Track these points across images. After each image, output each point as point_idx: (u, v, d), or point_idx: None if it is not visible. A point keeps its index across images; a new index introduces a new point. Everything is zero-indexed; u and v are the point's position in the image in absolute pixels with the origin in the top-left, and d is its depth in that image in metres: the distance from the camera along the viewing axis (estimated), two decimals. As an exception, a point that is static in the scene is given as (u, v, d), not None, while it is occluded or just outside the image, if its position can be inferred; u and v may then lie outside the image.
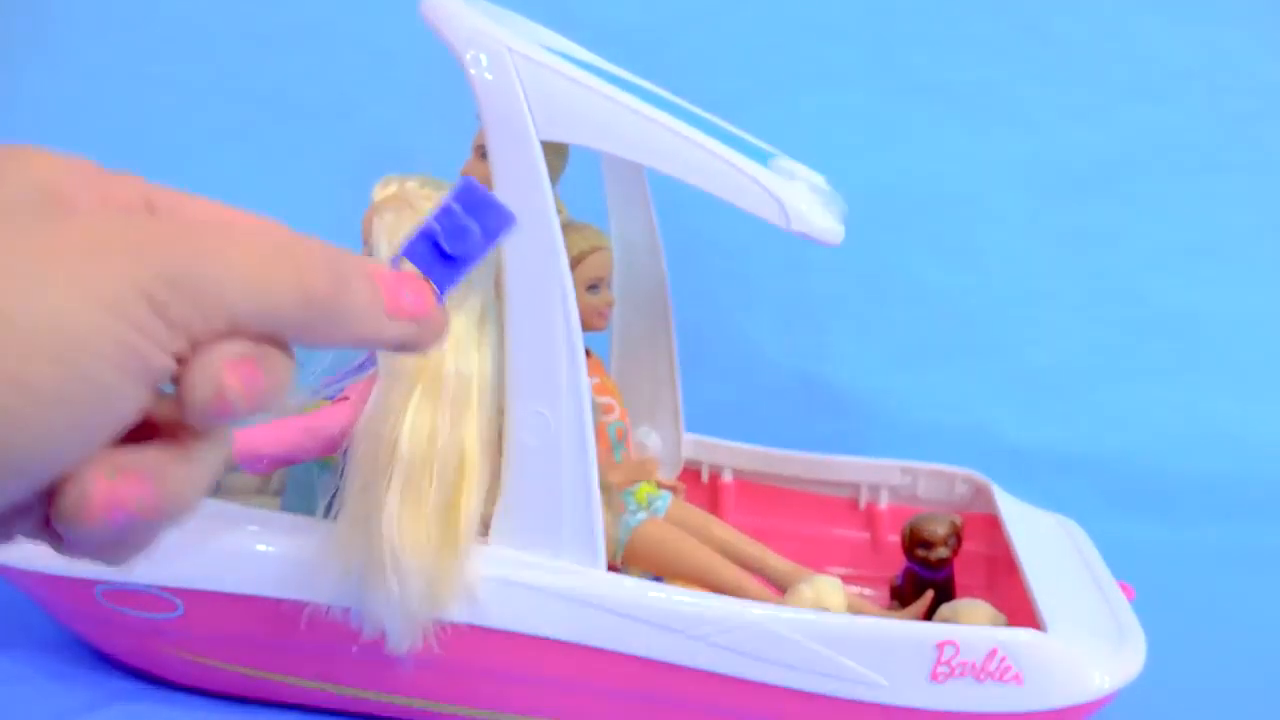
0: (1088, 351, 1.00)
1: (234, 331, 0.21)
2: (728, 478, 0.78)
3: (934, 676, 0.53)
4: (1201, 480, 0.95)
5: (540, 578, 0.54)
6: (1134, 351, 1.00)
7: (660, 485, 0.64)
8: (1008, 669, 0.53)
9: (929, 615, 0.62)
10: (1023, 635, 0.54)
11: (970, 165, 1.00)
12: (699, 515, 0.64)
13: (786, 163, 0.56)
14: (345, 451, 0.53)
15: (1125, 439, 0.98)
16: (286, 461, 0.55)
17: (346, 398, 0.55)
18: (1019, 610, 0.58)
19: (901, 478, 0.75)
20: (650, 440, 0.76)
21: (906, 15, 1.00)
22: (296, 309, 0.21)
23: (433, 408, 0.52)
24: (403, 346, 0.24)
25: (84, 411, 0.19)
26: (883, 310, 1.01)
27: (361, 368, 0.57)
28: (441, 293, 0.25)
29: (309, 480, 0.58)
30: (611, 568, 0.57)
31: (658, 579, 0.60)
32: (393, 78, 1.00)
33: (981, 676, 0.53)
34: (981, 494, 0.73)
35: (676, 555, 0.61)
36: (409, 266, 0.24)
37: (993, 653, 0.53)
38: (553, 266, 0.52)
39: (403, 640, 0.53)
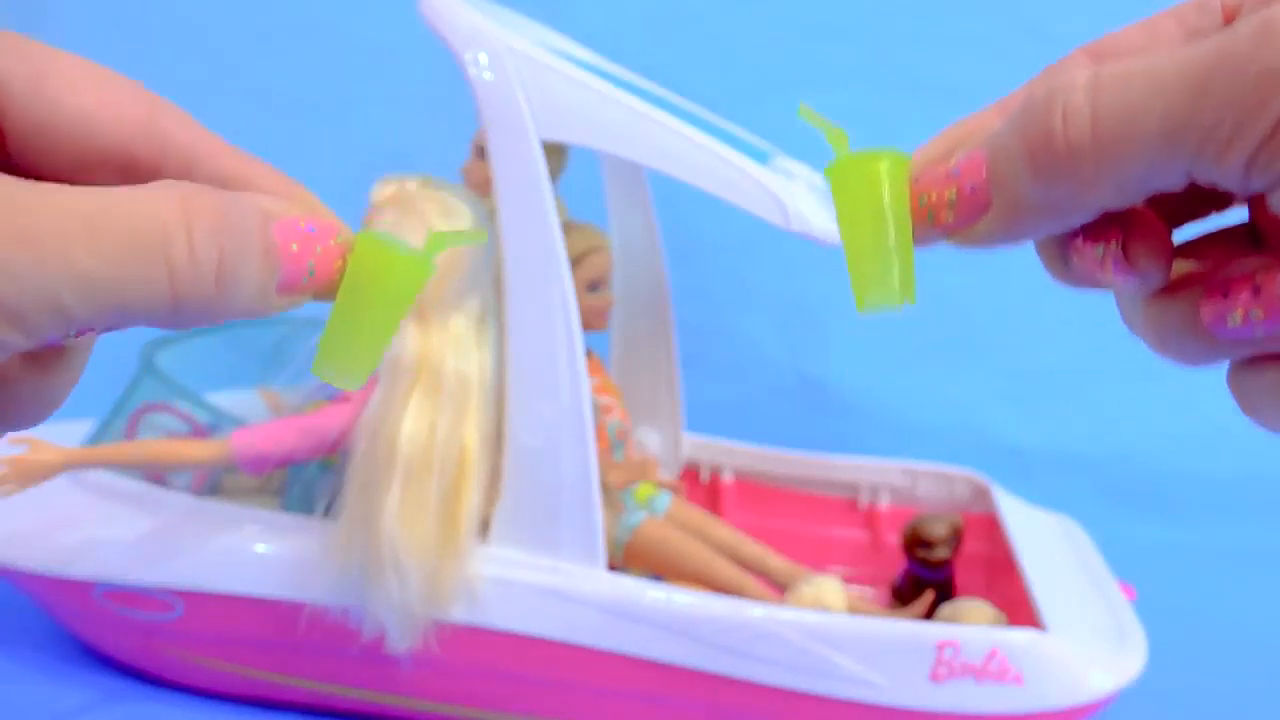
0: (1088, 351, 1.00)
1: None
2: (728, 478, 0.78)
3: (934, 677, 0.53)
4: (1201, 480, 0.95)
5: (540, 578, 0.54)
6: (1134, 351, 0.99)
7: (660, 485, 0.64)
8: (1007, 669, 0.53)
9: (929, 615, 0.62)
10: (1022, 635, 0.54)
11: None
12: (699, 515, 0.64)
13: (786, 162, 0.56)
14: (345, 451, 0.53)
15: (1125, 439, 0.98)
16: (286, 461, 0.55)
17: (347, 398, 0.55)
18: (1019, 610, 0.58)
19: (901, 478, 0.75)
20: (650, 440, 0.76)
21: (906, 15, 1.00)
22: (160, 312, 0.19)
23: (433, 407, 0.52)
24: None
25: None
26: (883, 310, 1.01)
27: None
28: None
29: (309, 480, 0.58)
30: (611, 568, 0.56)
31: (658, 579, 0.60)
32: (393, 78, 0.99)
33: (981, 677, 0.53)
34: (981, 494, 0.73)
35: (676, 555, 0.60)
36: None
37: (992, 653, 0.53)
38: (553, 266, 0.52)
39: (402, 640, 0.53)
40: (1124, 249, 0.21)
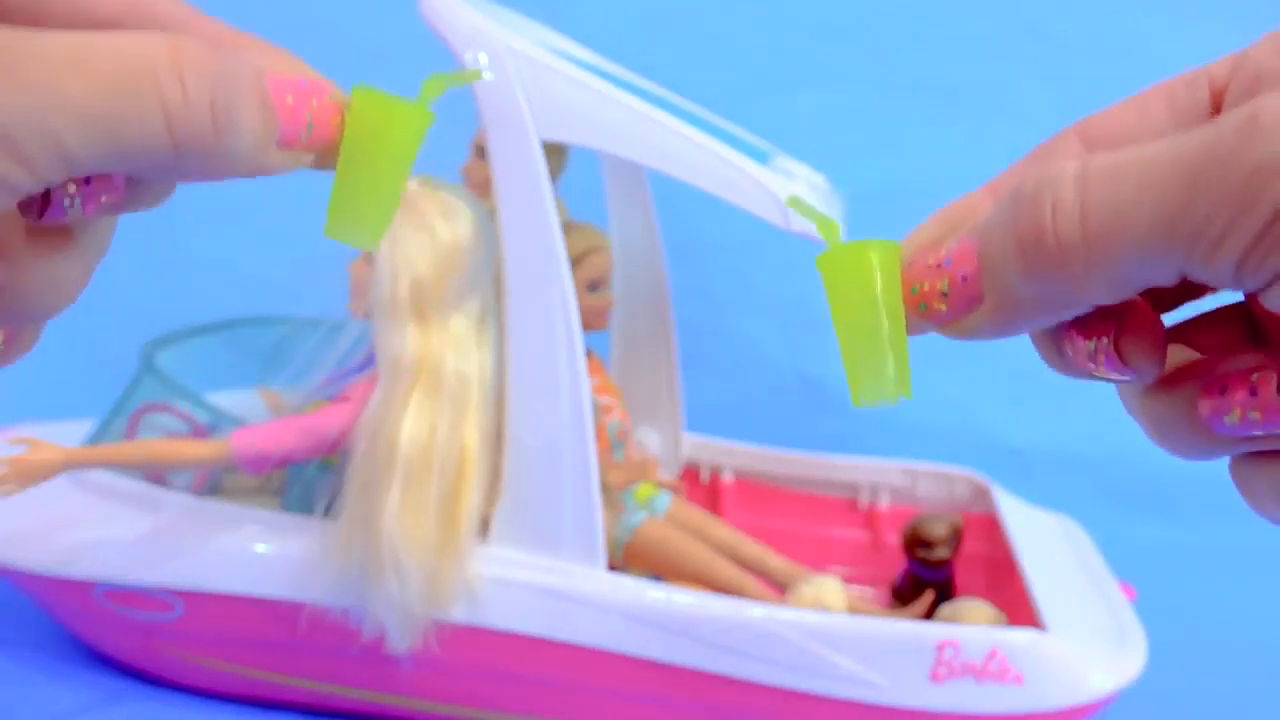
0: (1088, 351, 1.00)
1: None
2: (728, 478, 0.78)
3: (934, 677, 0.53)
4: (1201, 480, 0.95)
5: (540, 578, 0.54)
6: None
7: (660, 485, 0.64)
8: (1007, 669, 0.53)
9: (929, 615, 0.62)
10: (1022, 635, 0.54)
11: (970, 165, 1.00)
12: (699, 515, 0.64)
13: (786, 162, 0.56)
14: (345, 451, 0.53)
15: (1125, 439, 0.97)
16: (286, 461, 0.55)
17: (347, 398, 0.55)
18: (1019, 610, 0.58)
19: (902, 478, 0.75)
20: (650, 440, 0.76)
21: (906, 15, 1.00)
22: (161, 156, 0.19)
23: (433, 407, 0.52)
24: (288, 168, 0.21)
25: None
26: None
27: (362, 367, 0.57)
28: None
29: (309, 480, 0.58)
30: (612, 568, 0.57)
31: (658, 579, 0.60)
32: (393, 78, 0.99)
33: (981, 677, 0.53)
34: (981, 495, 0.73)
35: (676, 555, 0.60)
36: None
37: (992, 653, 0.53)
38: (553, 266, 0.52)
39: (402, 640, 0.53)
40: (1116, 345, 0.21)
